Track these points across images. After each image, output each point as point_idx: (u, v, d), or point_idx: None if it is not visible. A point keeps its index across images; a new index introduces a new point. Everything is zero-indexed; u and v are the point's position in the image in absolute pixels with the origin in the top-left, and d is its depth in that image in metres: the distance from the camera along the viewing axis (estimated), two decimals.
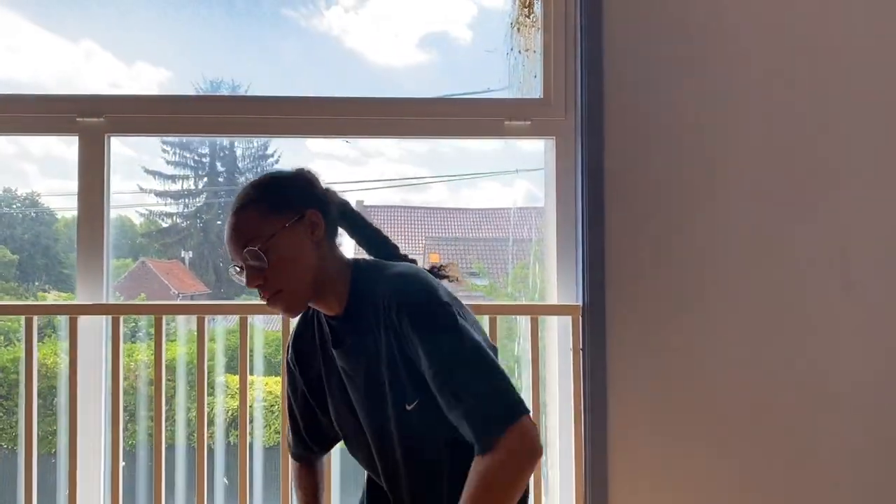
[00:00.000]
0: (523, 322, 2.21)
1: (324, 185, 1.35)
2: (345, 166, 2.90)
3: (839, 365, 2.04)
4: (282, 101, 2.17)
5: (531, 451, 1.09)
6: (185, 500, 2.23)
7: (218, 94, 2.39)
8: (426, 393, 1.17)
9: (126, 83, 2.41)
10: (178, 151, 4.66)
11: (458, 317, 1.17)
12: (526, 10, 2.20)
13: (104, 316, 2.08)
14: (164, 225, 4.38)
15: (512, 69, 2.23)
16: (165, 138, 2.98)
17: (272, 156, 4.18)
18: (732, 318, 2.03)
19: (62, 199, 3.14)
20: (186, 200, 5.04)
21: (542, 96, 2.17)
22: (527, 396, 2.00)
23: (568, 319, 2.06)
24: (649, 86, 2.03)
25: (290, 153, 3.09)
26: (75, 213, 2.14)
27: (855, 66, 2.05)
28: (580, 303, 2.05)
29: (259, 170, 3.94)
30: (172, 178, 5.11)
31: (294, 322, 1.47)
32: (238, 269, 1.25)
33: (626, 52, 2.03)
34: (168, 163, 4.79)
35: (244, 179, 4.37)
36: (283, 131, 2.20)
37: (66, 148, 2.28)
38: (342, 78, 2.43)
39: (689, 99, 2.04)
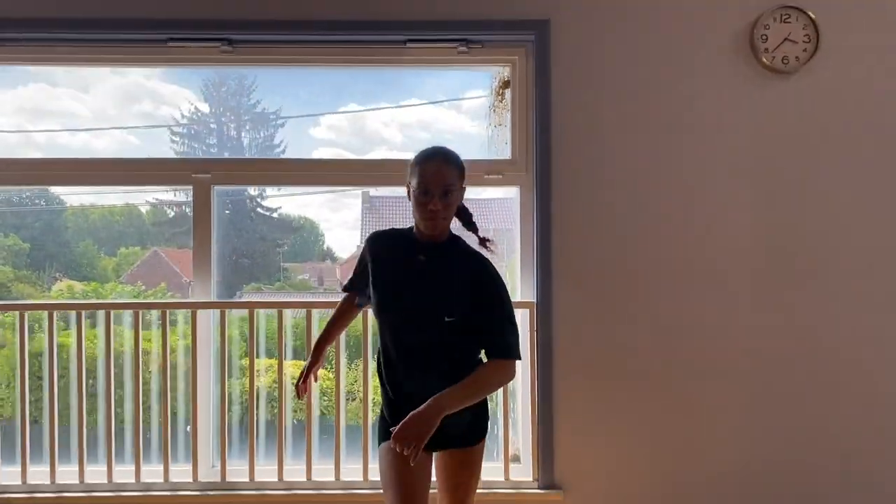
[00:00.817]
0: None
1: None
2: (349, 154, 3.71)
3: (720, 344, 2.99)
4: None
5: (512, 376, 2.08)
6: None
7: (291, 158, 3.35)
8: (459, 319, 2.01)
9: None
10: (186, 142, 4.96)
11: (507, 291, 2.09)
12: (499, 97, 3.18)
13: (214, 310, 3.06)
14: (171, 214, 4.84)
15: (490, 139, 3.21)
16: (174, 128, 3.73)
17: (279, 146, 4.72)
18: (642, 315, 2.99)
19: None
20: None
21: (511, 157, 3.14)
22: None
23: (528, 310, 3.03)
24: (580, 152, 3.00)
25: (295, 144, 3.85)
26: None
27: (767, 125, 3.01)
28: (535, 300, 3.02)
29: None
30: (190, 144, 5.23)
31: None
32: (424, 192, 2.01)
33: (566, 131, 3.00)
34: (177, 153, 5.02)
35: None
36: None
37: None
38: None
39: (608, 160, 3.00)
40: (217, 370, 3.07)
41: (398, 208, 6.53)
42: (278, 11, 3.01)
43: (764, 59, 3.00)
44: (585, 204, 3.02)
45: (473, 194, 3.13)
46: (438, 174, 2.01)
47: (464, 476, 2.17)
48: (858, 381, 3.02)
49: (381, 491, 2.11)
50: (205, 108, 4.21)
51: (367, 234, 2.23)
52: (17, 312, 3.03)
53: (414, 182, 2.04)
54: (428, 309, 2.03)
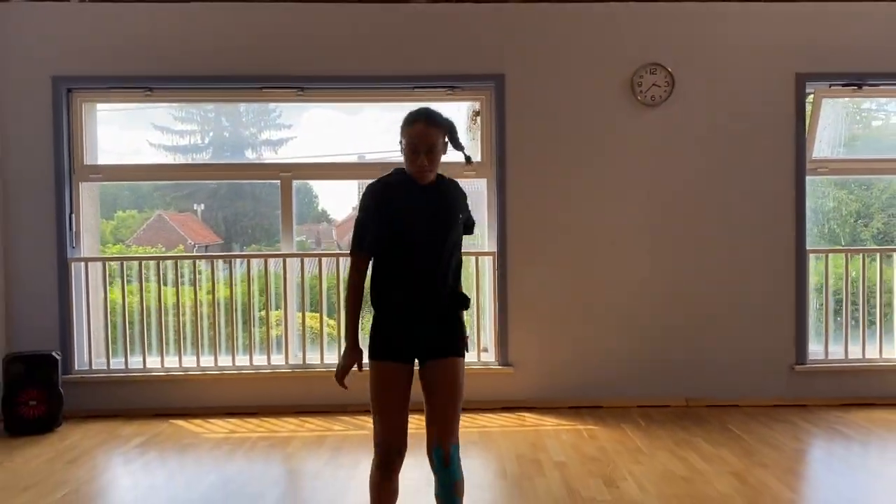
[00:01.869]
0: (475, 259, 4.98)
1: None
2: (343, 115, 5.22)
3: (622, 268, 4.82)
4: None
5: None
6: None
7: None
8: (458, 236, 2.49)
9: None
10: (184, 107, 5.33)
11: None
12: (473, 121, 4.97)
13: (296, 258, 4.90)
14: (170, 196, 5.54)
15: (468, 147, 5.00)
16: (174, 128, 5.27)
17: (274, 110, 5.27)
18: (563, 260, 4.81)
19: None
20: (194, 155, 5.51)
21: (481, 160, 4.93)
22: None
23: (491, 257, 4.85)
24: (524, 157, 4.78)
25: (291, 110, 5.13)
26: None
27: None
28: (496, 250, 4.84)
29: (262, 124, 5.36)
30: (180, 133, 6.12)
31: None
32: (413, 151, 2.32)
33: (515, 144, 4.78)
34: (175, 118, 5.36)
35: (248, 133, 5.57)
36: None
37: None
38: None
39: (543, 163, 4.79)
40: (298, 299, 4.92)
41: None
42: (333, 69, 4.78)
43: (639, 98, 4.78)
44: (528, 190, 4.82)
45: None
46: (424, 135, 2.32)
47: (444, 387, 2.37)
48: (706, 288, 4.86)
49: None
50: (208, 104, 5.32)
51: (365, 188, 2.48)
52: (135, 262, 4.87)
53: (404, 141, 2.35)
54: (438, 232, 2.39)
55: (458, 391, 2.39)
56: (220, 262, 5.00)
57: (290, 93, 4.85)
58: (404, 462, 2.39)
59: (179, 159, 5.28)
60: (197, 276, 4.92)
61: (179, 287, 4.89)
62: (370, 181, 2.48)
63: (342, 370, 2.42)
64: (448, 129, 2.45)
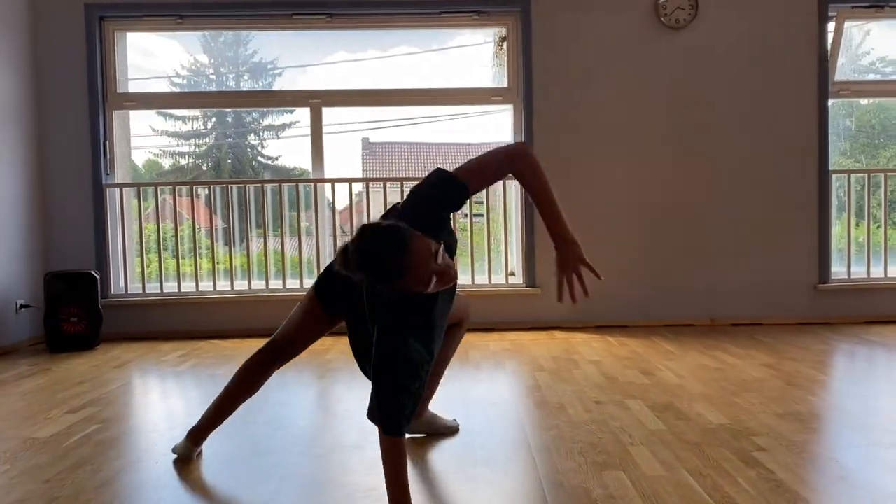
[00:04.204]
0: (503, 183, 5.04)
1: None
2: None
3: (615, 190, 4.89)
4: None
5: None
6: None
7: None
8: None
9: None
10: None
11: None
12: (499, 47, 5.03)
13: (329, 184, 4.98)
14: (168, 166, 5.64)
15: (495, 74, 5.07)
16: (175, 79, 5.31)
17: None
18: (578, 171, 4.88)
19: None
20: (197, 140, 6.03)
21: (507, 86, 5.00)
22: None
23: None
24: (550, 82, 4.85)
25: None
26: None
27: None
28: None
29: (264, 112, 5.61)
30: (183, 118, 6.02)
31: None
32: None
33: (541, 70, 4.85)
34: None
35: (251, 119, 5.97)
36: None
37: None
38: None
39: (568, 87, 4.85)
40: (330, 224, 5.00)
41: (396, 154, 7.73)
42: None
43: (664, 20, 4.84)
44: (553, 116, 4.89)
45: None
46: None
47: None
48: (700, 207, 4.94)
49: None
50: (204, 59, 5.60)
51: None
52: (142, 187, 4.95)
53: None
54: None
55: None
56: (252, 188, 5.07)
57: (320, 19, 4.91)
58: None
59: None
60: (230, 201, 5.00)
61: (212, 213, 4.98)
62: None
63: None
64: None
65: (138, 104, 5.04)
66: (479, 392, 3.23)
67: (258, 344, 2.41)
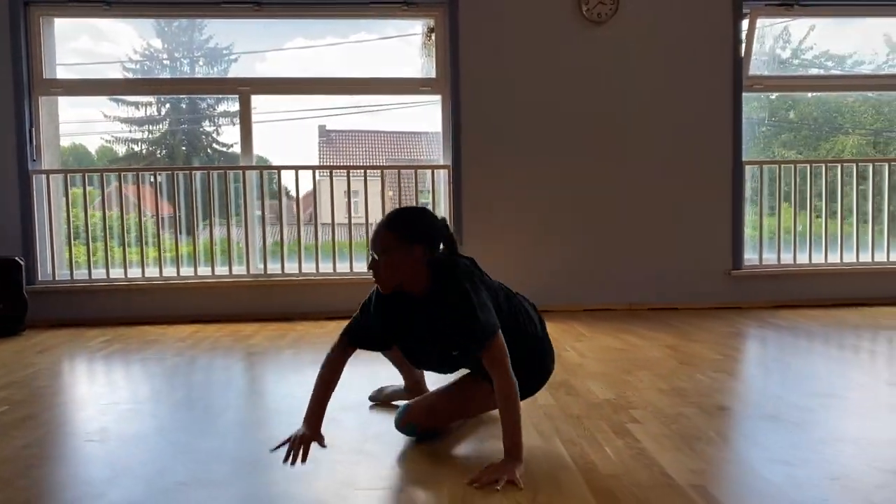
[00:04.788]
0: (430, 172, 5.18)
1: (439, 221, 2.17)
2: (373, 49, 5.34)
3: (563, 183, 5.05)
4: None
5: (501, 348, 2.04)
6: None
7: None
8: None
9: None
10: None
11: None
12: (427, 37, 5.13)
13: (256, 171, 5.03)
14: (123, 152, 5.56)
15: (424, 64, 5.17)
16: (127, 65, 5.31)
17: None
18: (509, 168, 5.02)
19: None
20: (150, 127, 5.70)
21: (435, 76, 5.11)
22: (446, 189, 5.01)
23: (446, 171, 5.05)
24: (476, 73, 4.97)
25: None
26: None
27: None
28: (450, 164, 5.04)
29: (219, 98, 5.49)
30: (136, 104, 5.64)
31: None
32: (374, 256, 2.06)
33: (467, 60, 4.97)
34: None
35: (205, 105, 5.73)
36: None
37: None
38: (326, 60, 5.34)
39: (493, 78, 4.98)
40: (259, 212, 5.06)
41: (353, 142, 7.80)
42: None
43: (586, 14, 4.99)
44: (480, 106, 5.01)
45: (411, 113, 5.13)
46: (375, 236, 2.11)
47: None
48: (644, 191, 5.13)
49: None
50: (157, 43, 5.55)
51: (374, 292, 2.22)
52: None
53: None
54: (435, 352, 2.18)
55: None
56: (181, 175, 5.09)
57: (248, 9, 4.95)
58: None
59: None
60: (158, 189, 5.03)
61: (141, 200, 5.00)
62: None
63: (291, 440, 2.05)
64: (412, 238, 2.09)
65: (65, 90, 5.02)
66: (385, 374, 3.35)
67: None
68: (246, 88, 5.06)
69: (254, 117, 5.12)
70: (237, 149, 5.22)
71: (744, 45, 5.11)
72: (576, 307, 5.07)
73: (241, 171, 5.06)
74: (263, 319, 4.88)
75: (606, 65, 5.05)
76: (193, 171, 5.09)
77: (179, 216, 5.02)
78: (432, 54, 5.14)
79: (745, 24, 5.12)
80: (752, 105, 5.49)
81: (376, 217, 5.06)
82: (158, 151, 5.87)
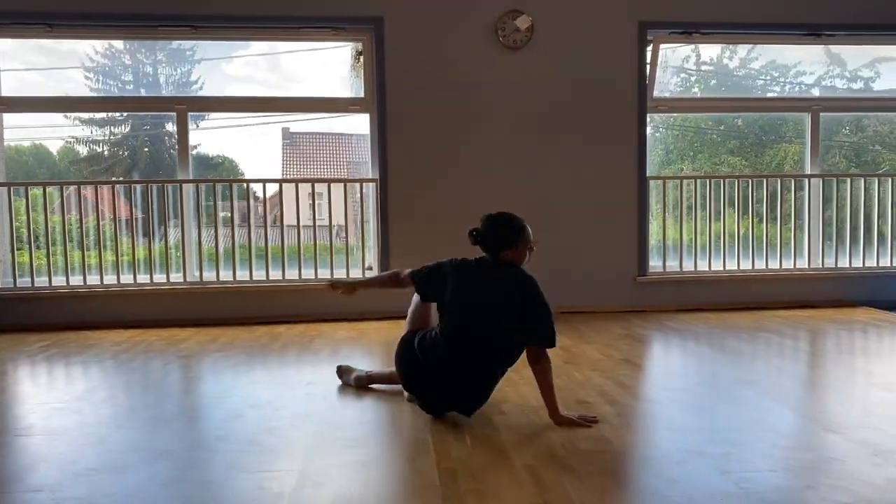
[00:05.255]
0: (360, 185, 5.53)
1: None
2: (264, 90, 5.84)
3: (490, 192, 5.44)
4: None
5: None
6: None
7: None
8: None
9: None
10: (101, 79, 5.52)
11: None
12: (356, 60, 5.49)
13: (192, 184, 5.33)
14: (86, 153, 5.63)
15: (352, 84, 5.53)
16: (88, 65, 5.54)
17: (196, 83, 5.68)
18: (437, 180, 5.40)
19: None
20: (112, 128, 5.78)
21: (364, 96, 5.46)
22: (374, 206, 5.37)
23: (374, 183, 5.41)
24: (402, 94, 5.34)
25: (212, 81, 5.60)
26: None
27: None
28: (378, 177, 5.40)
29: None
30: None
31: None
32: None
33: (394, 82, 5.33)
34: (92, 90, 5.53)
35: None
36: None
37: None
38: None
39: (418, 98, 5.35)
40: (195, 222, 5.37)
41: (317, 144, 8.10)
42: (225, 9, 5.20)
43: (502, 41, 5.39)
44: (406, 124, 5.38)
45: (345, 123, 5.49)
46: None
47: None
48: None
49: None
50: (119, 44, 5.74)
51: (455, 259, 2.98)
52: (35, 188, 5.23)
53: (525, 240, 2.89)
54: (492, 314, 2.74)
55: None
56: (122, 188, 5.37)
57: (185, 31, 5.25)
58: None
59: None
60: (98, 201, 5.30)
61: (82, 212, 5.27)
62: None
63: (336, 283, 3.15)
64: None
65: (8, 107, 5.27)
66: (289, 372, 3.70)
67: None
68: (182, 107, 5.35)
69: (223, 122, 5.42)
70: (202, 149, 5.51)
71: (648, 70, 5.55)
72: None
73: (178, 185, 5.35)
74: (200, 325, 5.18)
75: (522, 87, 5.46)
76: (134, 185, 5.37)
77: (120, 225, 5.30)
78: (361, 75, 5.50)
79: (649, 50, 5.56)
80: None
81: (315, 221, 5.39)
82: (121, 152, 5.95)
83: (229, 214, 5.41)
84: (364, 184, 5.49)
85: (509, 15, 5.38)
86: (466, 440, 2.54)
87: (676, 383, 3.36)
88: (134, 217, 5.32)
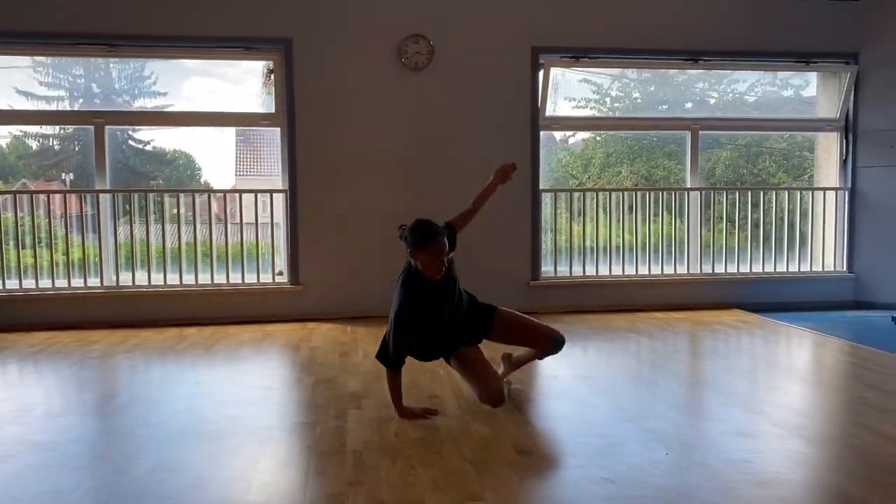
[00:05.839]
0: (270, 195, 5.88)
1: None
2: (224, 84, 6.18)
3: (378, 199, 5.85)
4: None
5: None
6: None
7: None
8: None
9: None
10: (51, 72, 5.52)
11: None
12: (268, 78, 5.84)
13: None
14: (36, 147, 5.78)
15: (264, 100, 5.88)
16: (38, 58, 5.70)
17: (149, 77, 5.85)
18: (337, 191, 5.79)
19: None
20: (63, 125, 5.84)
21: (275, 111, 5.82)
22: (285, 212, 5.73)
23: (284, 194, 5.77)
24: (310, 110, 5.71)
25: (166, 76, 5.88)
26: None
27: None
28: (287, 188, 5.76)
29: (136, 91, 5.98)
30: (46, 99, 5.71)
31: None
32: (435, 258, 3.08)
33: (302, 98, 5.70)
34: (41, 84, 5.56)
35: (121, 101, 5.97)
36: None
37: None
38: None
39: (325, 114, 5.73)
40: (112, 228, 5.66)
41: (268, 141, 8.39)
42: (143, 29, 5.50)
43: (404, 62, 5.80)
44: (314, 138, 5.75)
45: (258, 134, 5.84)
46: (442, 244, 3.17)
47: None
48: None
49: None
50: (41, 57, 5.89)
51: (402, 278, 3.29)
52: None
53: (422, 257, 3.12)
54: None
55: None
56: (42, 196, 5.64)
57: (102, 50, 5.54)
58: None
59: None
60: (17, 207, 5.56)
61: (1, 216, 5.53)
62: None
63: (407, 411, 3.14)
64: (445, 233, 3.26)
65: None
66: (185, 371, 4.06)
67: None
68: (100, 120, 5.64)
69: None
70: (157, 143, 6.00)
71: (540, 91, 6.02)
72: None
73: (95, 195, 5.64)
74: (115, 327, 5.48)
75: (424, 106, 5.87)
76: (52, 194, 5.65)
77: (39, 230, 5.56)
78: (272, 92, 5.85)
79: (541, 74, 6.03)
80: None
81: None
82: (73, 146, 6.01)
83: (147, 220, 5.72)
84: (274, 194, 5.84)
85: (411, 38, 5.79)
86: (317, 431, 2.95)
87: (524, 378, 3.81)
88: (51, 225, 5.58)
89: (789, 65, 6.40)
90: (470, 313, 3.40)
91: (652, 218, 6.36)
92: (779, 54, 6.29)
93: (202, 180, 6.37)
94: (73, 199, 5.66)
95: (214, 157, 6.21)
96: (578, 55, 6.05)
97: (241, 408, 3.33)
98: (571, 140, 7.16)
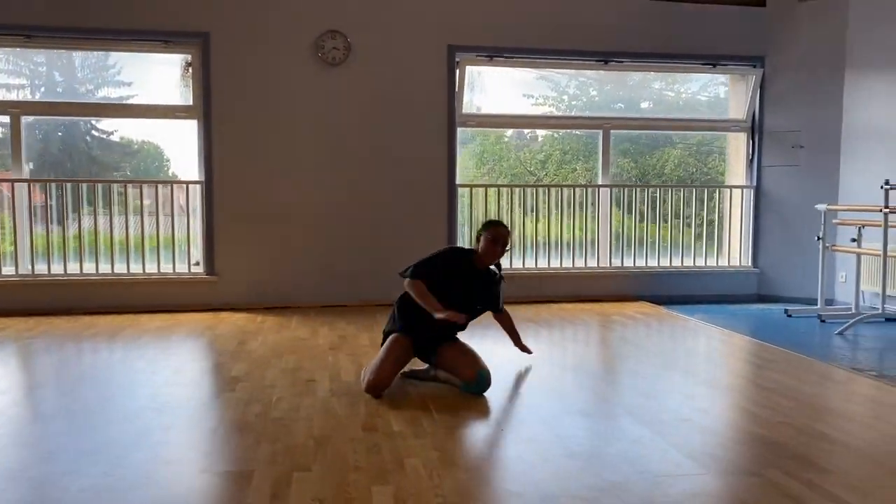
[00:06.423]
0: (186, 186, 5.98)
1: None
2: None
3: (307, 195, 5.97)
4: None
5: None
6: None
7: None
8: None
9: None
10: (11, 59, 5.60)
11: None
12: (186, 70, 5.93)
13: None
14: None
15: (182, 93, 5.97)
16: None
17: (113, 66, 5.97)
18: (252, 181, 5.91)
19: None
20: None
21: (192, 104, 5.91)
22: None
23: (200, 185, 5.87)
24: (227, 103, 5.82)
25: (130, 67, 6.04)
26: None
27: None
28: (203, 179, 5.86)
29: (100, 81, 6.05)
30: (6, 87, 5.81)
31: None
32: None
33: (219, 91, 5.80)
34: (1, 71, 5.66)
35: (84, 90, 6.06)
36: None
37: None
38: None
39: (242, 107, 5.84)
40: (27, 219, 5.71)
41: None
42: (61, 20, 5.56)
43: (321, 56, 5.93)
44: (231, 130, 5.86)
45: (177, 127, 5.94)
46: (505, 235, 3.69)
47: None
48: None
49: None
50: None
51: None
52: None
53: (487, 236, 3.62)
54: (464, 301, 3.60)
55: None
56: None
57: (18, 40, 5.59)
58: None
59: None
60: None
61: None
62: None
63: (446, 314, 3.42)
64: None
65: None
66: (84, 359, 4.17)
67: None
68: (16, 110, 5.69)
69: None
70: (121, 134, 6.20)
71: (456, 88, 6.20)
72: (315, 303, 6.01)
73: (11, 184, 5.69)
74: (30, 315, 5.55)
75: (342, 100, 6.02)
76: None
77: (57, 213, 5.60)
78: (190, 85, 5.94)
79: (458, 71, 6.20)
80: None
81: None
82: (37, 134, 6.06)
83: (65, 210, 5.78)
84: (190, 185, 5.94)
85: (328, 34, 5.92)
86: (182, 411, 3.09)
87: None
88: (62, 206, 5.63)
89: (698, 67, 6.65)
90: (471, 314, 3.68)
91: (566, 213, 6.58)
92: (688, 56, 6.55)
93: (171, 171, 6.48)
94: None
95: (182, 147, 6.22)
96: (492, 54, 6.24)
97: (118, 389, 3.45)
98: (530, 137, 7.33)
